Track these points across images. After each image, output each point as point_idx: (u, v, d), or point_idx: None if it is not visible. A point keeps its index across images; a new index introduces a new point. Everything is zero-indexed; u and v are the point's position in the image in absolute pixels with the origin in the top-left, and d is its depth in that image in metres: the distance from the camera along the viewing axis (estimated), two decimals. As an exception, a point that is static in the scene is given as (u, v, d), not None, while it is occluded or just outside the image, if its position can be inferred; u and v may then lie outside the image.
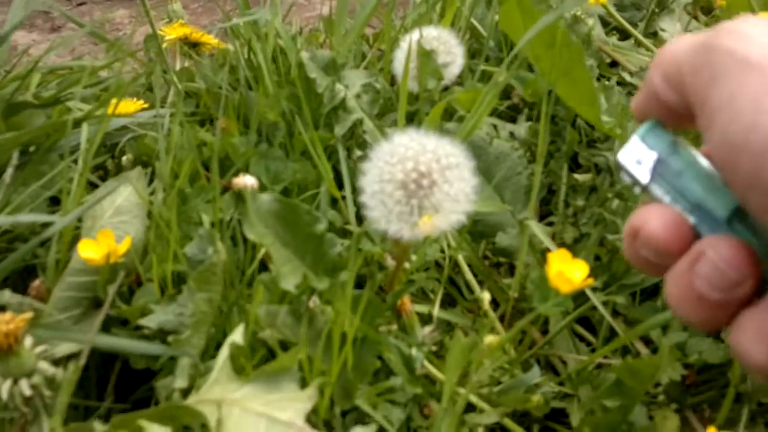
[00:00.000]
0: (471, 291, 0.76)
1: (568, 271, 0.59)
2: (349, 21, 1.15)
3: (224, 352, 0.50)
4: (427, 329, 0.67)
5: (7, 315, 0.47)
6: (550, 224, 0.85)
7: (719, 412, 0.58)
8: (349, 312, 0.55)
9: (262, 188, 0.78)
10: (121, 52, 1.10)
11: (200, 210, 0.75)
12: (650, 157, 0.30)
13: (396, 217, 0.54)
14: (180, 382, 0.52)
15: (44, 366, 0.49)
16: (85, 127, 0.72)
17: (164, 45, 1.13)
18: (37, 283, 0.62)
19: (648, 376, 0.54)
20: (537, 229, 0.74)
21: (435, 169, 0.54)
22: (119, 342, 0.55)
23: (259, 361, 0.56)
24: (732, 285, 0.27)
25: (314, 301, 0.62)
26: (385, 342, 0.59)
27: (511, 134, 0.96)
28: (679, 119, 0.30)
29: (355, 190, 0.85)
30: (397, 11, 1.44)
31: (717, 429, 0.51)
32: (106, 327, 0.59)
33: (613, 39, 1.12)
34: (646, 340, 0.68)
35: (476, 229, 0.81)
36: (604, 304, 0.68)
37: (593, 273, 0.64)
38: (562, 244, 0.78)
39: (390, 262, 0.67)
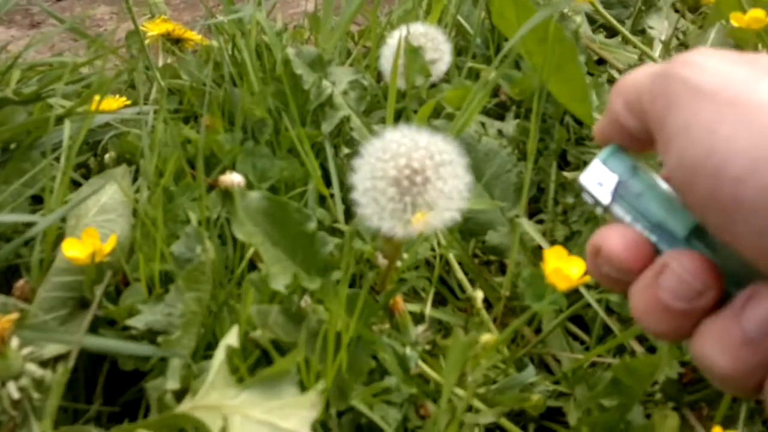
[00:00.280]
0: (462, 290, 0.76)
1: (565, 267, 0.58)
2: (335, 18, 1.14)
3: (219, 355, 0.49)
4: (421, 328, 0.66)
5: (-8, 316, 0.45)
6: (540, 222, 0.84)
7: (717, 410, 0.58)
8: (343, 312, 0.54)
9: (249, 186, 0.77)
10: (102, 48, 1.08)
11: (186, 208, 0.74)
12: (612, 179, 0.31)
13: (389, 214, 0.53)
14: (172, 383, 0.51)
15: (32, 368, 0.47)
16: (67, 124, 0.71)
17: (147, 41, 1.11)
18: (21, 283, 0.60)
19: (646, 375, 0.54)
20: (529, 226, 0.73)
21: (428, 165, 0.53)
22: (108, 343, 0.54)
23: (253, 362, 0.55)
24: (695, 295, 0.28)
25: (306, 301, 0.61)
26: (380, 342, 0.58)
27: (499, 132, 0.95)
28: (639, 144, 0.32)
29: (344, 188, 0.84)
30: (382, 8, 1.44)
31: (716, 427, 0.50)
32: (94, 328, 0.58)
33: (600, 36, 1.12)
34: (640, 338, 0.68)
35: (466, 228, 0.80)
36: (598, 302, 0.67)
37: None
38: (553, 242, 0.77)
39: (381, 260, 0.66)
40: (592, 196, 0.32)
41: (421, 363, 0.62)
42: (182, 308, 0.54)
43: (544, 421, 0.65)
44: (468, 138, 0.81)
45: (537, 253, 0.76)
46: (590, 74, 1.03)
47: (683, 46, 1.07)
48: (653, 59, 0.98)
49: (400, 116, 0.92)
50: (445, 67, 0.95)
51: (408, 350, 0.60)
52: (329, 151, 0.85)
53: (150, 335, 0.57)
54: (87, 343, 0.51)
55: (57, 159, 0.73)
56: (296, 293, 0.60)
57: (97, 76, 0.99)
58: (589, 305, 0.68)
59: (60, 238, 0.63)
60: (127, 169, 0.69)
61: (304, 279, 0.58)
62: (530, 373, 0.62)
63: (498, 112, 1.01)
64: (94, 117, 0.73)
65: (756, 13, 0.78)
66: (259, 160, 0.80)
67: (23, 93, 0.83)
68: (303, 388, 0.52)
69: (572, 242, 0.78)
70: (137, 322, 0.56)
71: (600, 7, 0.92)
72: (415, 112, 0.93)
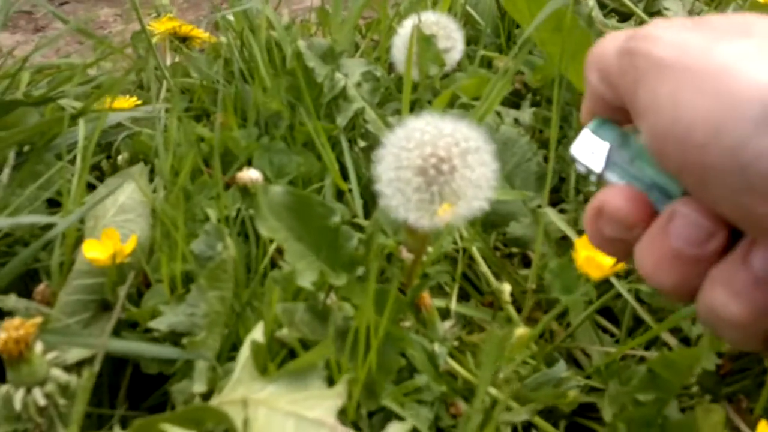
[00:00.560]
0: (485, 284, 0.74)
1: (597, 256, 0.56)
2: (343, 12, 1.12)
3: (245, 351, 0.48)
4: (448, 324, 0.65)
5: (16, 320, 0.44)
6: (563, 211, 0.83)
7: (757, 402, 0.56)
8: (372, 309, 0.52)
9: (267, 182, 0.76)
10: (109, 48, 1.07)
11: (204, 207, 0.72)
12: (603, 147, 0.32)
13: (415, 205, 0.51)
14: (198, 386, 0.50)
15: (57, 373, 0.46)
16: (82, 124, 0.69)
17: (153, 40, 1.10)
18: (41, 287, 0.59)
19: (685, 369, 0.52)
20: (554, 216, 0.71)
21: (455, 153, 0.51)
22: (134, 346, 0.53)
23: (280, 360, 0.54)
24: (707, 236, 0.28)
25: (331, 298, 0.59)
26: (408, 339, 0.56)
27: (516, 120, 0.94)
28: (622, 115, 0.32)
29: (361, 182, 0.83)
30: (389, 0, 1.42)
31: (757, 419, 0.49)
32: (116, 331, 0.56)
33: (613, 21, 1.10)
34: (672, 329, 0.66)
35: (487, 220, 0.78)
36: (628, 292, 0.66)
37: (614, 260, 0.62)
38: (578, 232, 0.76)
39: (405, 255, 0.65)
40: (585, 166, 0.32)
41: (449, 360, 0.61)
42: (205, 308, 0.53)
43: (575, 417, 0.64)
44: (485, 126, 0.80)
45: (561, 244, 0.74)
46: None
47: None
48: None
49: (413, 107, 0.91)
50: (458, 55, 0.93)
51: (437, 347, 0.59)
52: (345, 144, 0.84)
53: (173, 337, 0.55)
54: (112, 347, 0.50)
55: (71, 161, 0.72)
56: (321, 290, 0.59)
57: (107, 76, 0.98)
58: (618, 296, 0.66)
59: (79, 240, 0.62)
60: (144, 168, 0.68)
61: (330, 275, 0.56)
62: (561, 369, 0.60)
63: (513, 101, 1.00)
64: (108, 115, 0.71)
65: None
66: (275, 155, 0.78)
67: (34, 95, 0.82)
68: (331, 384, 0.50)
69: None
70: (160, 324, 0.55)
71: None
72: (429, 102, 0.92)
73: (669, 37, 0.28)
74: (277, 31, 1.00)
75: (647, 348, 0.66)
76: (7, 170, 0.65)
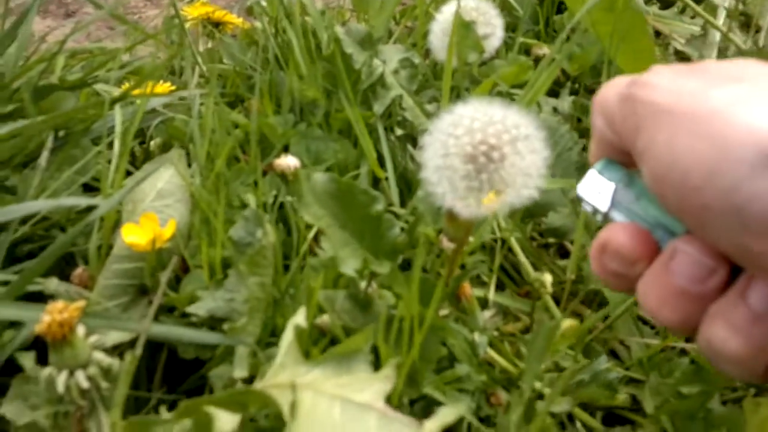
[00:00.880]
0: (521, 274, 0.73)
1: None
2: None
3: (288, 335, 0.47)
4: (488, 314, 0.64)
5: (60, 304, 0.44)
6: (603, 201, 0.81)
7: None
8: (416, 299, 0.51)
9: (305, 169, 0.75)
10: (143, 34, 1.07)
11: (241, 193, 0.72)
12: (608, 187, 0.33)
13: (463, 192, 0.50)
14: (240, 371, 0.49)
15: (100, 356, 0.46)
16: (118, 109, 0.69)
17: (186, 26, 1.09)
18: (79, 271, 0.59)
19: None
20: (596, 206, 0.70)
21: (505, 140, 0.50)
22: (175, 331, 0.52)
23: (323, 347, 0.53)
24: (708, 273, 0.29)
25: (372, 286, 0.59)
26: (449, 328, 0.55)
27: (554, 109, 0.92)
28: (628, 156, 0.33)
29: (397, 170, 0.82)
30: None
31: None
32: (154, 315, 0.56)
33: (654, 8, 1.08)
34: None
35: (525, 210, 0.77)
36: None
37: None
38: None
39: (446, 244, 0.64)
40: (592, 205, 0.34)
41: (488, 350, 0.60)
42: (245, 294, 0.52)
43: (613, 408, 0.63)
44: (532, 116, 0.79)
45: (600, 235, 0.73)
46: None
47: (744, 15, 1.03)
48: (717, 28, 0.94)
49: (451, 95, 0.90)
50: (497, 42, 0.91)
51: (477, 337, 0.58)
52: (381, 132, 0.83)
53: (210, 322, 0.55)
54: (153, 332, 0.50)
55: (108, 146, 0.72)
56: (362, 278, 0.58)
57: (144, 61, 0.97)
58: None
59: (117, 224, 0.62)
60: (182, 153, 0.67)
61: (374, 263, 0.55)
62: (602, 361, 0.59)
63: (552, 89, 0.98)
64: (148, 101, 0.71)
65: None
66: (312, 142, 0.77)
67: (69, 80, 0.81)
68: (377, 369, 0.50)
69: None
70: (198, 309, 0.54)
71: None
72: (468, 90, 0.90)
73: (666, 83, 0.29)
74: (313, 17, 0.99)
75: (687, 340, 0.65)
76: (45, 154, 0.64)
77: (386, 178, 0.79)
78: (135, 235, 0.57)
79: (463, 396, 0.54)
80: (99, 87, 0.85)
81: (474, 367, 0.55)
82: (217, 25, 1.16)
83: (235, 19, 1.15)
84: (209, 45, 1.15)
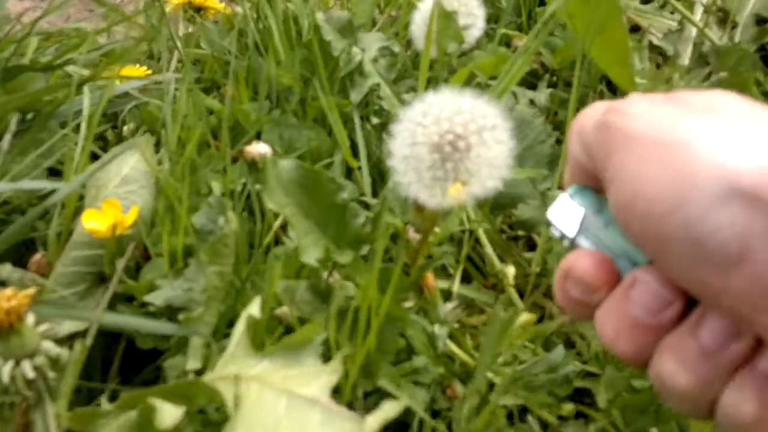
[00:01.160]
0: (489, 266, 0.73)
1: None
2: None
3: (240, 326, 0.46)
4: (449, 306, 0.64)
5: (9, 291, 0.43)
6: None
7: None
8: (375, 288, 0.51)
9: (276, 157, 0.74)
10: (121, 16, 1.06)
11: (209, 180, 0.71)
12: (578, 213, 0.33)
13: (429, 182, 0.50)
14: (192, 363, 0.49)
15: (48, 346, 0.45)
16: (86, 92, 0.68)
17: (167, 9, 1.08)
18: (37, 257, 0.58)
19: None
20: (564, 199, 0.69)
21: (471, 130, 0.49)
22: (129, 320, 0.52)
23: (278, 337, 0.53)
24: (664, 305, 0.29)
25: (334, 277, 0.58)
26: (408, 319, 0.55)
27: (531, 101, 0.92)
28: (600, 183, 0.33)
29: (371, 160, 0.81)
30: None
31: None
32: (111, 304, 0.55)
33: (635, 2, 1.08)
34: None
35: (495, 201, 0.77)
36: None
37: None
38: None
39: (412, 234, 0.64)
40: (559, 230, 0.34)
41: (448, 342, 0.60)
42: (204, 283, 0.52)
43: (571, 401, 0.62)
44: (500, 106, 0.78)
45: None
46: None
47: (721, 11, 1.02)
48: (694, 23, 0.94)
49: (429, 85, 0.89)
50: (478, 33, 0.91)
51: (437, 328, 0.57)
52: (357, 121, 0.82)
53: (169, 312, 0.54)
54: (106, 321, 0.49)
55: (74, 130, 0.71)
56: (325, 268, 0.57)
57: (118, 44, 0.96)
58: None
59: (79, 210, 0.61)
60: (150, 139, 0.66)
61: (335, 252, 0.55)
62: (559, 354, 0.59)
63: (530, 81, 0.98)
64: (115, 84, 0.70)
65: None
66: (285, 129, 0.77)
67: (40, 61, 0.80)
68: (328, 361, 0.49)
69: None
70: (156, 299, 0.54)
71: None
72: (446, 80, 0.90)
73: (640, 112, 0.29)
74: (294, 3, 0.98)
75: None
76: (8, 137, 0.64)
77: (359, 168, 0.79)
78: (95, 221, 0.57)
79: (419, 388, 0.54)
80: (72, 69, 0.84)
81: (432, 360, 0.55)
82: (199, 9, 1.15)
83: (216, 4, 1.14)
84: (190, 30, 1.14)
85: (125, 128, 0.86)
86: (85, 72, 0.78)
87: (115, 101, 0.81)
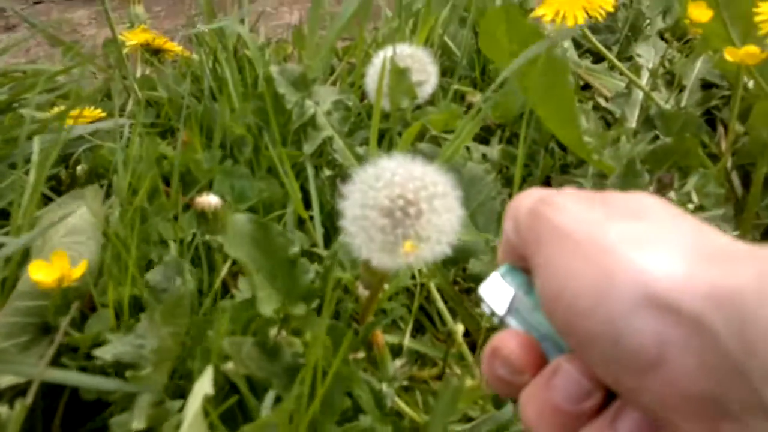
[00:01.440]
0: (442, 319, 0.74)
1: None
2: (320, 32, 1.11)
3: (194, 404, 0.46)
4: (398, 362, 0.64)
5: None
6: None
7: None
8: (324, 347, 0.51)
9: (227, 207, 0.75)
10: (79, 56, 1.05)
11: (160, 229, 0.71)
12: (508, 293, 0.34)
13: (379, 246, 0.51)
14: (138, 423, 0.48)
15: (-13, 403, 0.44)
16: (37, 141, 0.68)
17: (125, 50, 1.08)
18: (-20, 306, 0.57)
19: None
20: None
21: (422, 197, 0.50)
22: (73, 377, 0.51)
23: (223, 398, 0.53)
24: (585, 395, 0.30)
25: (281, 334, 0.58)
26: (357, 378, 0.55)
27: (484, 156, 0.94)
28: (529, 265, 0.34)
29: (324, 211, 0.82)
30: (367, 25, 1.42)
31: None
32: (55, 354, 0.55)
33: (587, 62, 1.11)
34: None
35: (447, 256, 0.78)
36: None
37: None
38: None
39: (362, 291, 0.64)
40: (490, 307, 0.34)
41: (396, 399, 0.60)
42: (157, 344, 0.51)
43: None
44: (453, 163, 0.79)
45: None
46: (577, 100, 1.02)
47: (669, 74, 1.06)
48: (641, 87, 0.97)
49: (383, 137, 0.90)
50: (431, 89, 0.93)
51: (385, 387, 0.58)
52: (310, 172, 0.83)
53: (116, 365, 0.54)
54: (49, 376, 0.48)
55: (26, 172, 0.71)
56: (272, 324, 0.58)
57: (74, 85, 0.96)
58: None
59: (25, 258, 0.61)
60: (98, 189, 0.66)
61: (288, 306, 0.55)
62: (508, 411, 0.60)
63: (483, 136, 1.00)
64: (68, 133, 0.70)
65: (751, 48, 0.76)
66: (237, 180, 0.77)
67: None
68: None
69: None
70: (105, 353, 0.53)
71: (588, 33, 0.91)
72: (400, 134, 0.91)
73: (571, 208, 0.30)
74: (251, 51, 0.99)
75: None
76: (-45, 181, 0.63)
77: (311, 218, 0.79)
78: (42, 273, 0.56)
79: (365, 450, 0.54)
80: (26, 111, 0.84)
81: (378, 420, 0.55)
82: (157, 51, 1.15)
83: (175, 47, 1.14)
84: (147, 72, 1.14)
85: (78, 168, 0.86)
86: (38, 114, 0.78)
87: (69, 143, 0.81)
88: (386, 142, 0.90)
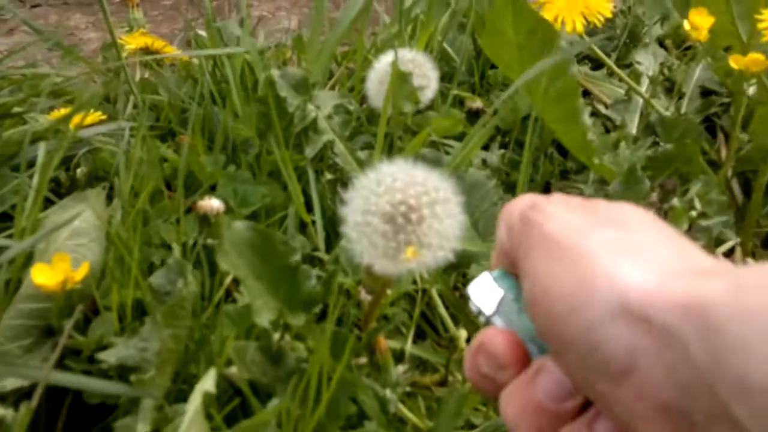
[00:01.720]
0: (443, 325, 0.74)
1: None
2: (320, 37, 1.12)
3: (195, 401, 0.46)
4: (401, 368, 0.64)
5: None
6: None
7: None
8: (327, 354, 0.51)
9: (229, 211, 0.75)
10: (79, 60, 1.05)
11: (162, 232, 0.71)
12: (497, 294, 0.34)
13: (381, 252, 0.50)
14: (142, 426, 0.48)
15: (-8, 407, 0.44)
16: (42, 145, 0.67)
17: (124, 55, 1.08)
18: (-16, 309, 0.57)
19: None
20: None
21: (424, 202, 0.50)
22: (77, 380, 0.51)
23: (226, 401, 0.52)
24: (567, 395, 0.30)
25: (285, 338, 0.58)
26: (361, 384, 0.55)
27: (484, 161, 0.94)
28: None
29: (325, 215, 0.82)
30: (366, 30, 1.42)
31: None
32: (59, 358, 0.54)
33: (585, 68, 1.11)
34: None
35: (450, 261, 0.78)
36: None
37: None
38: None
39: (364, 296, 0.64)
40: (477, 307, 0.35)
41: (399, 405, 0.60)
42: (159, 346, 0.51)
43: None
44: (454, 170, 0.80)
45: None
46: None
47: (669, 81, 1.06)
48: (641, 95, 0.97)
49: (384, 141, 0.90)
50: (431, 94, 0.93)
51: (388, 393, 0.58)
52: (312, 176, 0.83)
53: (119, 369, 0.54)
54: (54, 379, 0.48)
55: (30, 176, 0.70)
56: (276, 329, 0.57)
57: (78, 86, 0.96)
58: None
59: (28, 259, 0.60)
60: (101, 192, 0.66)
61: (288, 315, 0.55)
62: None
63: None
64: (73, 136, 0.70)
65: (756, 56, 0.77)
66: (240, 184, 0.77)
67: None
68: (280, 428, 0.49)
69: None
70: (109, 357, 0.53)
71: (587, 40, 0.91)
72: (400, 138, 0.91)
73: (559, 215, 0.31)
74: (252, 56, 0.99)
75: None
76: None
77: (313, 222, 0.79)
78: (45, 276, 0.56)
79: (369, 454, 0.54)
80: (28, 116, 0.84)
81: (383, 426, 0.55)
82: (156, 56, 1.15)
83: (173, 50, 1.14)
84: (146, 75, 1.14)
85: (78, 171, 0.86)
86: (41, 119, 0.78)
87: (70, 145, 0.80)
88: (387, 146, 0.90)
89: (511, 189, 0.86)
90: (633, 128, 0.95)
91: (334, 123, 0.87)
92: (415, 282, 0.74)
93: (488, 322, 0.34)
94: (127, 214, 0.69)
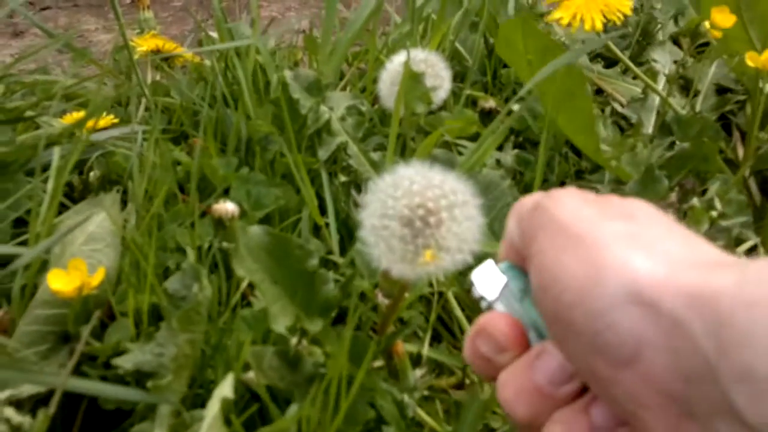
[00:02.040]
0: (460, 327, 0.73)
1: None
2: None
3: (213, 407, 0.45)
4: (419, 372, 0.63)
5: (-29, 359, 0.42)
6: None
7: None
8: (345, 359, 0.51)
9: (243, 214, 0.74)
10: (91, 63, 1.05)
11: (177, 236, 0.70)
12: (500, 280, 0.35)
13: (399, 256, 0.50)
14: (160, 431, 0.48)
15: (10, 413, 0.44)
16: (57, 150, 0.67)
17: (136, 56, 1.08)
18: (0, 313, 0.57)
19: None
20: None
21: (442, 206, 0.50)
22: (94, 386, 0.51)
23: (244, 406, 0.52)
24: (567, 378, 0.31)
25: (302, 343, 0.58)
26: (379, 389, 0.55)
27: (498, 162, 0.93)
28: (526, 262, 0.34)
29: (339, 217, 0.81)
30: (377, 30, 1.41)
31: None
32: (75, 363, 0.54)
33: (598, 67, 1.10)
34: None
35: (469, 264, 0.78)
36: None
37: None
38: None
39: (381, 299, 0.64)
40: (480, 293, 0.35)
41: (417, 409, 0.59)
42: (175, 351, 0.51)
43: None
44: (468, 169, 0.79)
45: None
46: (591, 106, 1.01)
47: (683, 79, 1.05)
48: (658, 93, 0.97)
49: (397, 142, 0.90)
50: (444, 94, 0.92)
51: (406, 397, 0.57)
52: (325, 178, 0.82)
53: (136, 374, 0.53)
54: (71, 386, 0.48)
55: (44, 180, 0.70)
56: (293, 334, 0.57)
57: (89, 89, 0.95)
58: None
59: (44, 265, 0.60)
60: (116, 196, 0.66)
61: (305, 320, 0.54)
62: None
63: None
64: (88, 140, 0.69)
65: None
66: (254, 187, 0.77)
67: (7, 108, 0.79)
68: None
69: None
70: (125, 362, 0.52)
71: (609, 42, 0.90)
72: (413, 139, 0.91)
73: (571, 204, 0.32)
74: (263, 57, 0.99)
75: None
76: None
77: (327, 225, 0.79)
78: (61, 282, 0.56)
79: (388, 460, 0.53)
80: (44, 120, 0.84)
81: (401, 430, 0.55)
82: (167, 58, 1.15)
83: (185, 53, 1.14)
84: (158, 78, 1.14)
85: (91, 175, 0.86)
86: (54, 122, 0.77)
87: (83, 149, 0.80)
88: (399, 147, 0.89)
89: (525, 189, 0.85)
90: (649, 127, 0.94)
91: (347, 124, 0.87)
92: (431, 285, 0.73)
93: (490, 307, 0.35)
94: (141, 219, 0.69)
